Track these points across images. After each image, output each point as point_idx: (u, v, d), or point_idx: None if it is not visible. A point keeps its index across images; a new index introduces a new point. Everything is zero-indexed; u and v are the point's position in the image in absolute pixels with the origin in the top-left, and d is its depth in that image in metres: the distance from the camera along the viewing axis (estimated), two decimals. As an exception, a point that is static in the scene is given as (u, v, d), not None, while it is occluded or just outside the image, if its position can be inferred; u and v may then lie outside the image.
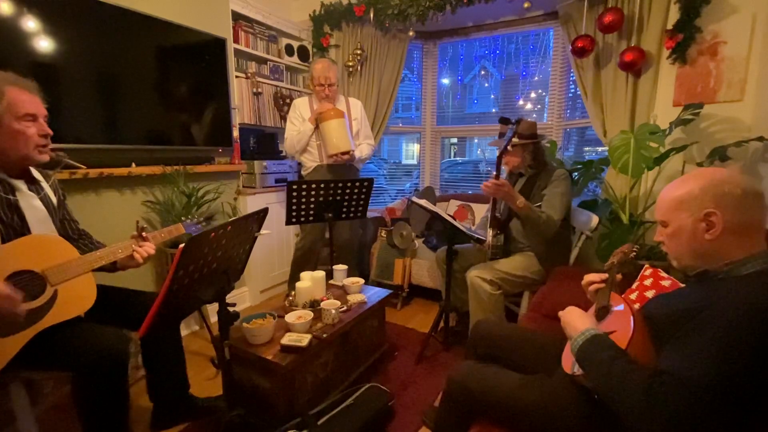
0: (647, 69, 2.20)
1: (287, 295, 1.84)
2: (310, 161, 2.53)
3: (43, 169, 1.32)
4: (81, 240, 1.41)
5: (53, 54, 1.67)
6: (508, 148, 1.71)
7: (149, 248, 1.31)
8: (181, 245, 0.93)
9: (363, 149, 2.58)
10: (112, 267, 1.29)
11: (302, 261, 2.54)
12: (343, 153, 2.36)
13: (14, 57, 1.56)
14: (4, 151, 1.13)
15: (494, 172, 1.79)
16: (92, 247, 1.34)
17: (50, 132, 1.20)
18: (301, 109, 2.51)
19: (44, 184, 1.30)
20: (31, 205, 1.21)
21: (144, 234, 1.33)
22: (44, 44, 1.64)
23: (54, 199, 1.33)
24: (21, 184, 1.20)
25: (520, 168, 1.97)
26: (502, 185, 1.68)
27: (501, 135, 1.95)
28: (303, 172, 2.62)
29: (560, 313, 1.02)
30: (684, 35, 2.06)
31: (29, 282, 1.11)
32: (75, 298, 1.18)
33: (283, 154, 2.96)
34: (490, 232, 1.90)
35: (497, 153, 1.75)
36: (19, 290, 1.04)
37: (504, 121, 1.71)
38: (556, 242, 1.93)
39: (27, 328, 1.09)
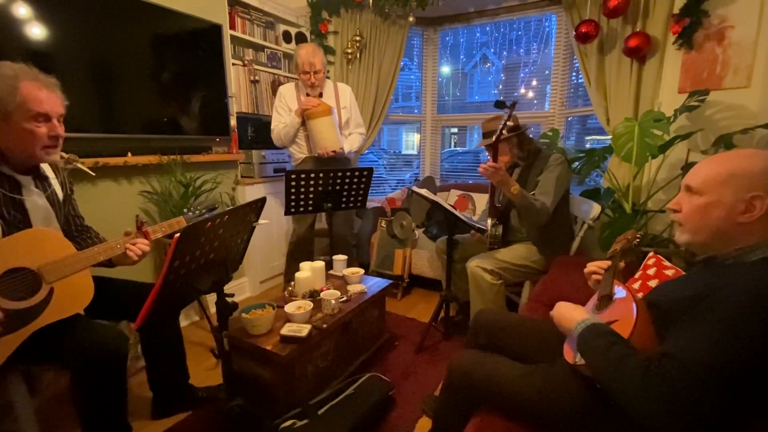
0: (652, 55, 2.16)
1: (285, 287, 1.82)
2: (299, 153, 2.45)
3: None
4: (83, 235, 1.38)
5: (47, 41, 1.63)
6: (503, 131, 1.69)
7: (142, 245, 1.26)
8: (177, 234, 0.92)
9: (353, 140, 2.50)
10: (109, 263, 1.26)
11: (296, 253, 2.49)
12: (332, 150, 2.29)
13: (7, 45, 1.52)
14: (11, 148, 1.11)
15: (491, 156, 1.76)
16: (92, 243, 1.31)
17: (61, 134, 1.16)
18: (288, 98, 2.40)
19: (53, 180, 1.28)
20: (35, 202, 1.19)
21: (144, 229, 1.29)
22: (37, 31, 1.60)
23: (60, 195, 1.30)
24: (28, 181, 1.18)
25: (513, 161, 1.95)
26: (498, 168, 1.66)
27: (486, 135, 1.94)
28: (293, 163, 2.54)
29: (551, 313, 1.00)
30: (691, 20, 2.02)
31: (24, 280, 1.08)
32: (71, 296, 1.14)
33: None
34: (489, 222, 1.88)
35: (494, 138, 1.72)
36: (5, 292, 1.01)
37: (499, 105, 1.69)
38: (556, 231, 1.92)
39: (21, 328, 1.06)
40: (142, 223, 1.29)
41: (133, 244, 1.25)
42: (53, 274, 1.10)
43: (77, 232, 1.39)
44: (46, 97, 1.10)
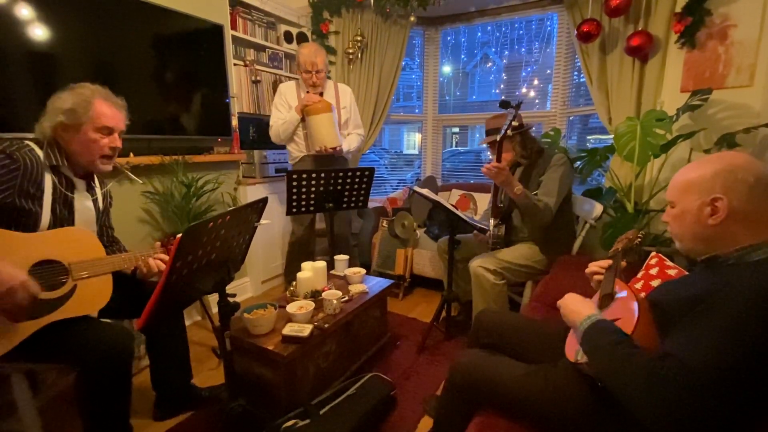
0: (654, 54, 2.15)
1: (286, 287, 1.82)
2: (297, 151, 2.44)
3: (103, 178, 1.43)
4: (112, 246, 1.46)
5: (49, 42, 1.63)
6: (508, 132, 1.69)
7: (159, 262, 1.34)
8: (179, 235, 0.92)
9: (351, 140, 2.49)
10: (134, 276, 1.34)
11: (296, 254, 2.49)
12: (331, 147, 2.28)
13: (9, 45, 1.52)
14: (75, 154, 1.24)
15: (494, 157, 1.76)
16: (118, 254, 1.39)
17: (119, 146, 1.30)
18: (288, 96, 2.40)
19: (98, 190, 1.39)
20: (83, 204, 1.31)
21: (170, 246, 1.35)
22: (39, 32, 1.61)
23: (102, 206, 1.40)
24: (81, 184, 1.31)
25: (515, 159, 1.95)
26: (502, 169, 1.66)
27: (489, 132, 1.94)
28: (290, 162, 2.53)
29: (559, 302, 1.00)
30: (693, 18, 2.01)
31: (53, 272, 1.13)
32: (90, 297, 1.20)
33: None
34: (491, 222, 1.88)
35: (498, 138, 1.72)
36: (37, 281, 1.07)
37: (504, 104, 1.69)
38: (559, 231, 1.91)
39: (39, 317, 1.10)
40: (168, 240, 1.37)
41: (153, 258, 1.32)
42: (80, 272, 1.17)
43: (108, 242, 1.45)
44: (113, 114, 1.27)
